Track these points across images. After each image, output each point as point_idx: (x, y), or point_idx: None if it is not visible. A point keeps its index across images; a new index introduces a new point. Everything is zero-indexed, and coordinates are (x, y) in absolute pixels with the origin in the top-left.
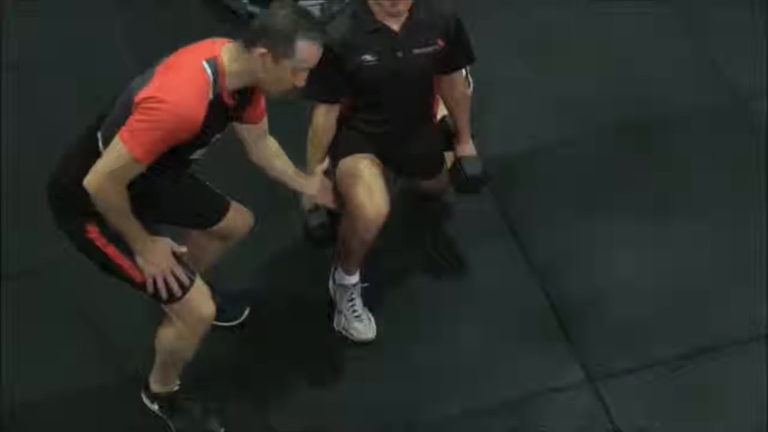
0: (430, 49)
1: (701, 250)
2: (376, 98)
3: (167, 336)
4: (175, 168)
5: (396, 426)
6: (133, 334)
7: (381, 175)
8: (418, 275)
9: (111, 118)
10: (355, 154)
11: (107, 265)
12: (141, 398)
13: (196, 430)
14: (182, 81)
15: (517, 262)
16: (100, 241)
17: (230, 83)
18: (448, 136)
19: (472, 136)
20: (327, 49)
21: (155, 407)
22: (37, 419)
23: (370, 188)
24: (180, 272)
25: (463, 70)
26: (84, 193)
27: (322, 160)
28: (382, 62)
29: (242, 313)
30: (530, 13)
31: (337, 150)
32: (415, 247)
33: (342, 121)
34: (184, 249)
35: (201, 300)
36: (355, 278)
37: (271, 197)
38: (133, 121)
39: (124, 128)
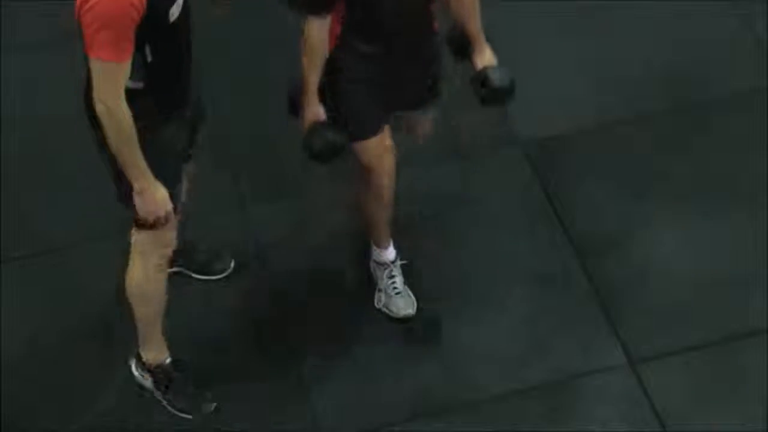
0: None
1: (742, 234)
2: (373, 10)
3: (135, 280)
4: (169, 45)
5: (433, 406)
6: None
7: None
8: (458, 255)
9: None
10: (365, 139)
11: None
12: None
13: (189, 405)
14: None
15: (559, 245)
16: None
17: None
18: (461, 47)
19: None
20: None
21: (148, 382)
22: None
23: (378, 154)
24: (171, 217)
25: None
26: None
27: (319, 75)
28: None
29: (229, 264)
30: None
31: (340, 112)
32: (455, 228)
33: (337, 67)
34: (170, 207)
35: (169, 231)
36: (391, 254)
37: (308, 176)
38: (85, 32)
39: (85, 44)
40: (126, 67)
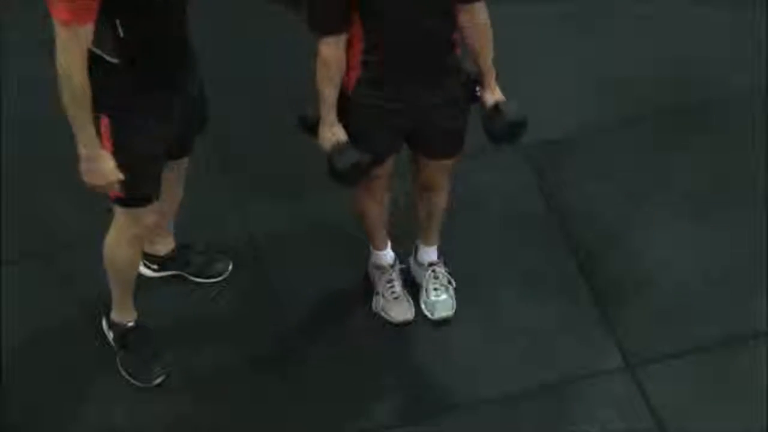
0: None
1: (741, 235)
2: (393, 50)
3: (108, 243)
4: (145, 25)
5: (432, 408)
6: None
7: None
8: (457, 256)
9: None
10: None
11: None
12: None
13: (138, 369)
14: None
15: (558, 246)
16: (105, 134)
17: None
18: (471, 86)
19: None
20: None
21: (110, 335)
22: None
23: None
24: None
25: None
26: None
27: (337, 91)
28: None
29: (228, 266)
30: None
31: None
32: (454, 229)
33: (359, 103)
34: (120, 176)
35: (147, 215)
36: (389, 257)
37: (307, 178)
38: None
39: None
40: (85, 32)
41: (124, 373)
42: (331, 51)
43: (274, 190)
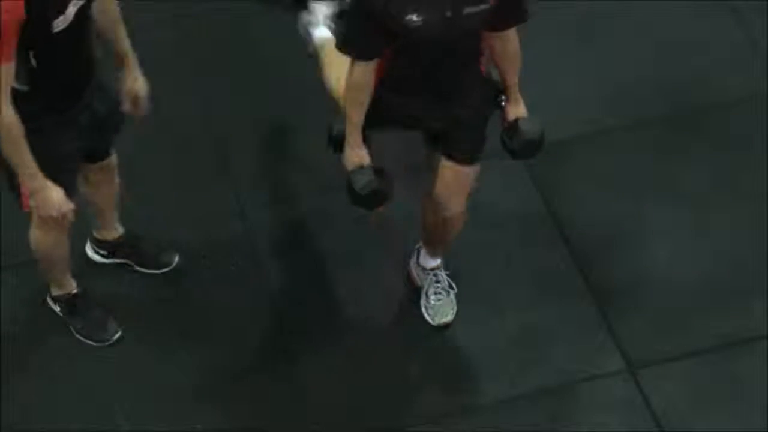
0: (481, 7)
1: (741, 239)
2: (419, 57)
3: (34, 236)
4: (55, 53)
5: (432, 410)
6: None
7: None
8: (456, 258)
9: None
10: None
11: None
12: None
13: (93, 329)
14: None
15: (558, 249)
16: None
17: None
18: (494, 95)
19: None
20: (369, 5)
21: (57, 308)
22: None
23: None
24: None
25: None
26: None
27: (363, 113)
28: (429, 23)
29: (173, 259)
30: None
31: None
32: None
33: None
34: (72, 206)
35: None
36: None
37: (307, 179)
38: None
39: None
40: (7, 70)
41: (81, 337)
42: (363, 74)
43: (274, 190)
